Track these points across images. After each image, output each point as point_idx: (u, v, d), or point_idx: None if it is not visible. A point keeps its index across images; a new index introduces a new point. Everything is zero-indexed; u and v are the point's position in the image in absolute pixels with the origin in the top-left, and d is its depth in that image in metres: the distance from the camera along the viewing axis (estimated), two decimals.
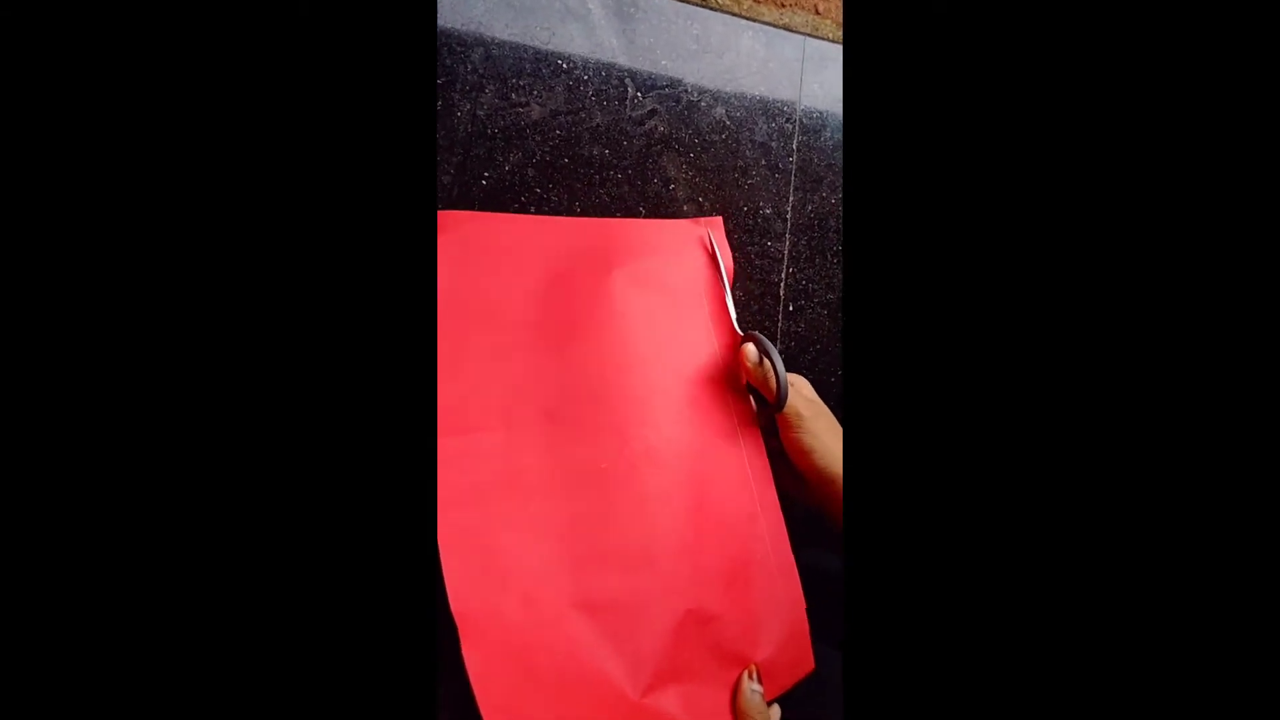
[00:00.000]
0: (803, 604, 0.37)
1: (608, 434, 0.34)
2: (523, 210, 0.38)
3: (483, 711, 0.28)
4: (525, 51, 0.37)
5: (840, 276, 0.49)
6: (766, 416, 0.39)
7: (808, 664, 0.36)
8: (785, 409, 0.36)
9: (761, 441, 0.39)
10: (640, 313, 0.37)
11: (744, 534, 0.36)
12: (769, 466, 0.38)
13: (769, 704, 0.35)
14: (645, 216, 0.41)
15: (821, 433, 0.37)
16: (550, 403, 0.34)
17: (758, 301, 0.46)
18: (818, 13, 0.47)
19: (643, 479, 0.34)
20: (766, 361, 0.37)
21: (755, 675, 0.34)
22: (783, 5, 0.45)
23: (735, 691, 0.34)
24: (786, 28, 0.45)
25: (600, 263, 0.37)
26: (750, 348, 0.38)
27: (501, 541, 0.31)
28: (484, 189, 0.37)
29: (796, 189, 0.46)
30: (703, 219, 0.41)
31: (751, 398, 0.39)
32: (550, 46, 0.37)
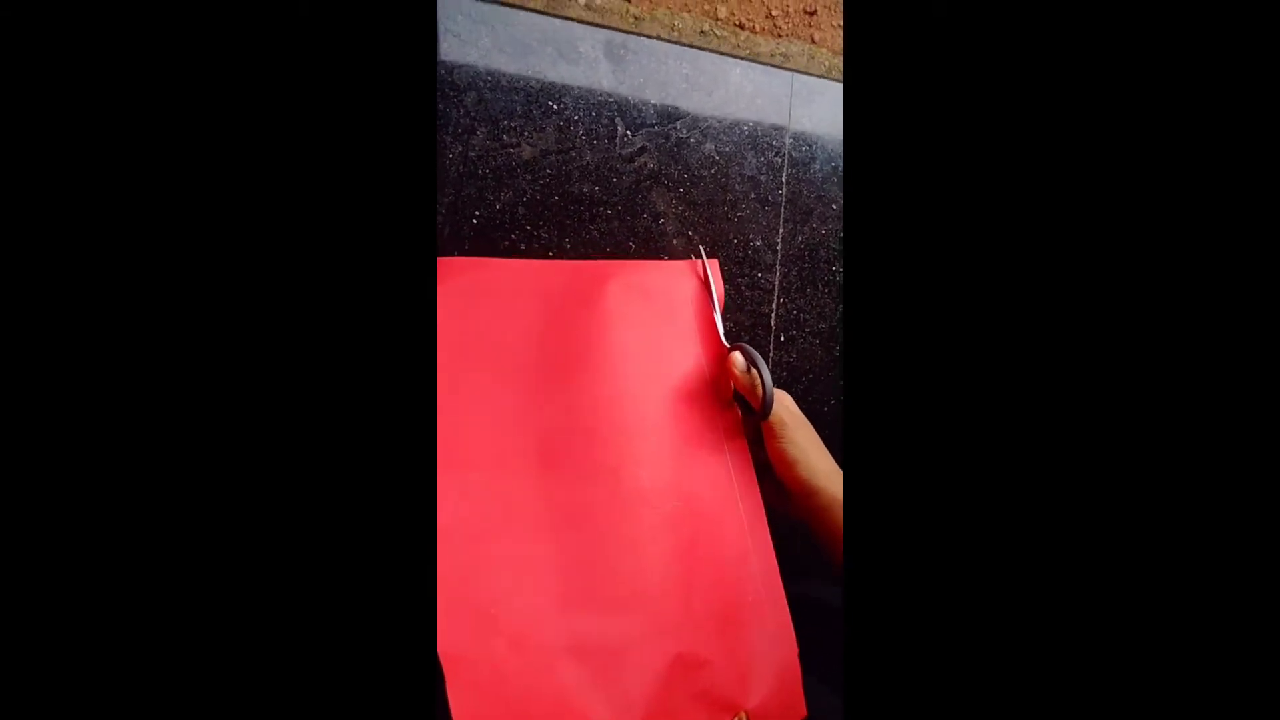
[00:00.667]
0: (795, 646, 0.36)
1: (601, 474, 0.35)
2: (513, 247, 0.39)
3: None
4: (517, 94, 0.37)
5: (831, 306, 0.49)
6: (752, 426, 0.40)
7: (800, 709, 0.36)
8: (770, 417, 0.37)
9: (753, 470, 0.39)
10: (633, 348, 0.38)
11: (736, 574, 0.36)
12: (761, 500, 0.38)
13: None
14: (635, 251, 0.42)
15: (804, 443, 0.37)
16: (543, 443, 0.34)
17: (749, 332, 0.46)
18: (814, 41, 0.47)
19: (635, 519, 0.34)
20: (753, 369, 0.37)
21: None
22: (779, 35, 0.46)
23: None
24: (783, 57, 0.45)
25: (595, 304, 0.37)
26: (738, 356, 0.38)
27: (491, 582, 0.31)
28: (475, 227, 0.38)
29: (786, 220, 0.46)
30: (699, 260, 0.41)
31: (738, 406, 0.40)
32: (542, 89, 0.38)
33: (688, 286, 0.40)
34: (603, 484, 0.34)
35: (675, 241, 0.43)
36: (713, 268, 0.41)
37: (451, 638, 0.29)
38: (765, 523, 0.38)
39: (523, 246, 0.39)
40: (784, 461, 0.37)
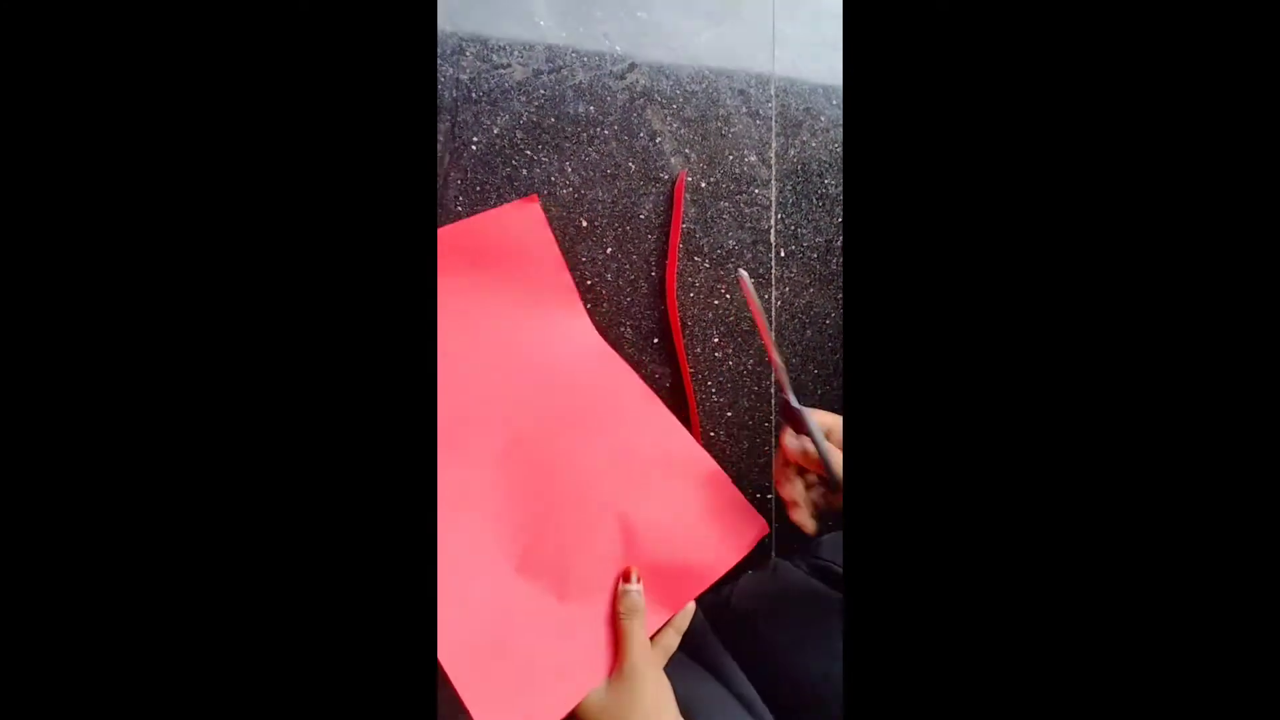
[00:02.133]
0: (725, 478, 0.39)
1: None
2: (515, 174, 0.39)
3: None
4: (500, 8, 0.37)
5: (827, 220, 0.49)
6: (823, 495, 0.36)
7: (760, 526, 0.39)
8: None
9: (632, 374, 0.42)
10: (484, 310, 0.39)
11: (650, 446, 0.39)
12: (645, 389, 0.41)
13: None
14: (636, 172, 0.41)
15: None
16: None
17: (750, 250, 0.46)
18: None
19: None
20: (810, 444, 0.33)
21: (634, 577, 0.35)
22: None
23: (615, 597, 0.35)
24: None
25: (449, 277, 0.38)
26: (790, 441, 0.34)
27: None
28: (474, 154, 0.37)
29: (778, 135, 0.46)
30: (520, 201, 0.39)
31: (800, 481, 0.36)
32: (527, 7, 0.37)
33: (513, 232, 0.40)
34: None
35: (673, 160, 0.43)
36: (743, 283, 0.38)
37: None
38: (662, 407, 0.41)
39: (524, 172, 0.39)
40: None
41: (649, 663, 0.33)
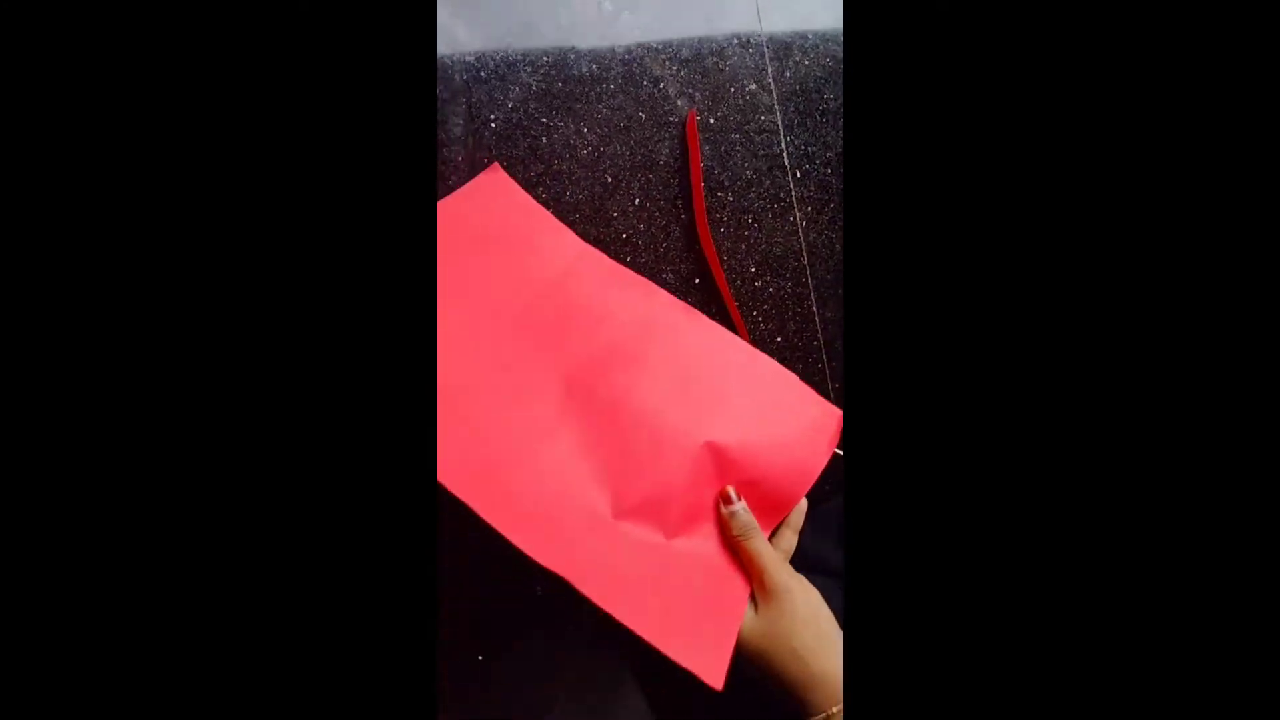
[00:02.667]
0: (792, 375, 0.39)
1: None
2: (534, 142, 0.40)
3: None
4: None
5: (834, 135, 0.50)
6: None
7: (836, 415, 0.38)
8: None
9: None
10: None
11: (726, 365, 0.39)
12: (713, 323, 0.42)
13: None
14: (646, 121, 0.42)
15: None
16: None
17: (767, 176, 0.47)
18: None
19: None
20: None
21: (734, 496, 0.34)
22: None
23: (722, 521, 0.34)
24: None
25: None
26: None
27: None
28: (494, 131, 0.38)
29: (772, 59, 0.47)
30: (481, 174, 0.40)
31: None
32: None
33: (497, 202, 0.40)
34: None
35: (679, 103, 0.44)
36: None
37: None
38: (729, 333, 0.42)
39: (544, 140, 0.40)
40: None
41: (788, 573, 0.32)
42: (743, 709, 0.30)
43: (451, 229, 0.37)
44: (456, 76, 0.37)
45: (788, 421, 0.37)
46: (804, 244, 0.50)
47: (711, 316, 0.43)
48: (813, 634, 0.30)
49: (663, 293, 0.42)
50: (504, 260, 0.39)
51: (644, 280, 0.42)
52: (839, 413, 0.38)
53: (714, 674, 0.29)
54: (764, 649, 0.30)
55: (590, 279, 0.41)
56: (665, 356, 0.38)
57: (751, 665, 0.31)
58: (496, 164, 0.40)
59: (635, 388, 0.36)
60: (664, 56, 0.43)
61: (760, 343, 0.51)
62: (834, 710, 0.29)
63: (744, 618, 0.31)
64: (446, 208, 0.38)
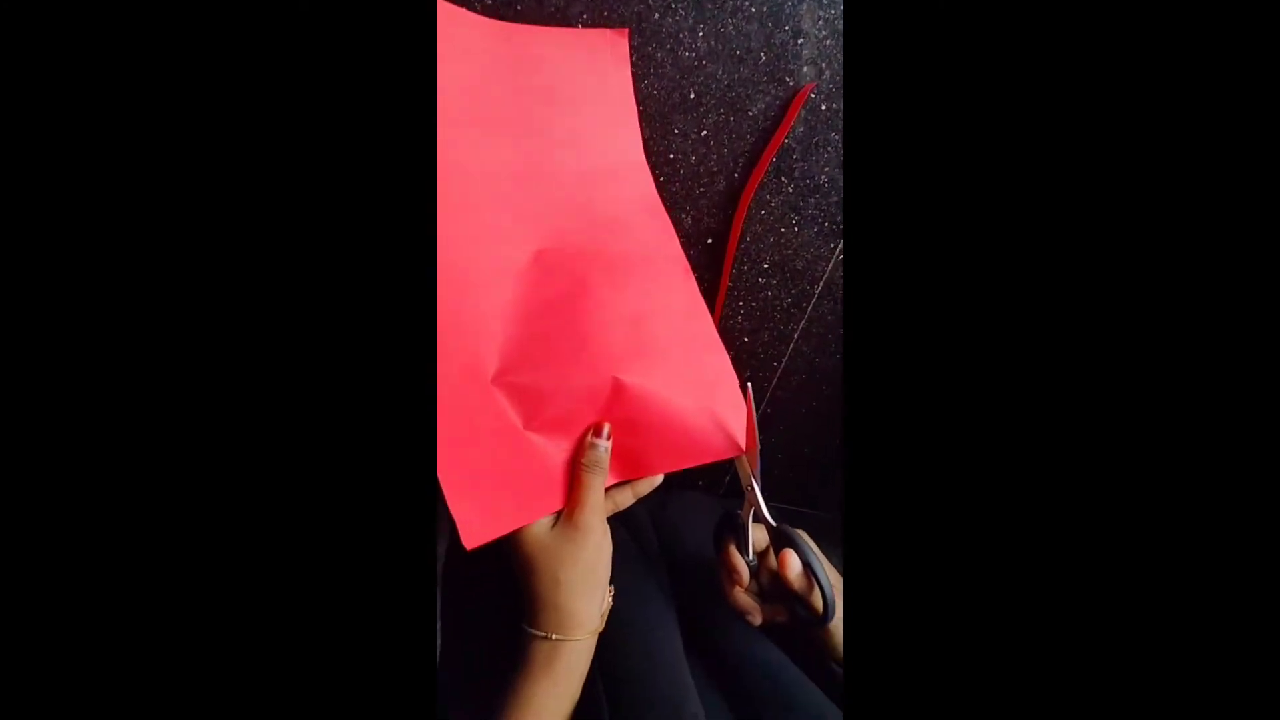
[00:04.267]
0: (735, 381, 0.39)
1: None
2: (645, 13, 0.36)
3: None
4: None
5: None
6: (803, 625, 0.37)
7: (738, 447, 0.37)
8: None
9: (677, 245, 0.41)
10: (567, 122, 0.38)
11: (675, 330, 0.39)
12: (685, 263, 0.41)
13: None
14: (761, 66, 0.39)
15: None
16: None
17: (836, 190, 0.45)
18: None
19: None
20: (808, 574, 0.34)
21: (605, 433, 0.34)
22: None
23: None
24: None
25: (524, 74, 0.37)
26: (793, 558, 0.35)
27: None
28: None
29: None
30: (609, 30, 0.39)
31: (787, 610, 0.37)
32: None
33: (607, 65, 0.39)
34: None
35: (805, 69, 0.40)
36: (747, 400, 0.37)
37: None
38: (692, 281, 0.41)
39: (655, 17, 0.37)
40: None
41: (600, 518, 0.33)
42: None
43: (551, 50, 0.37)
44: None
45: (700, 411, 0.37)
46: (826, 275, 0.48)
47: (701, 282, 0.42)
48: (581, 574, 0.32)
49: (676, 242, 0.41)
50: (573, 109, 0.38)
51: (669, 223, 0.41)
52: (741, 447, 0.37)
53: (474, 537, 0.30)
54: (536, 558, 0.32)
55: (627, 187, 0.40)
56: (637, 289, 0.38)
57: (517, 564, 0.33)
58: (628, 30, 0.38)
59: (590, 293, 0.36)
60: (822, 15, 0.39)
61: (727, 334, 0.50)
62: (554, 637, 0.31)
63: (537, 523, 0.32)
64: (563, 34, 0.37)
